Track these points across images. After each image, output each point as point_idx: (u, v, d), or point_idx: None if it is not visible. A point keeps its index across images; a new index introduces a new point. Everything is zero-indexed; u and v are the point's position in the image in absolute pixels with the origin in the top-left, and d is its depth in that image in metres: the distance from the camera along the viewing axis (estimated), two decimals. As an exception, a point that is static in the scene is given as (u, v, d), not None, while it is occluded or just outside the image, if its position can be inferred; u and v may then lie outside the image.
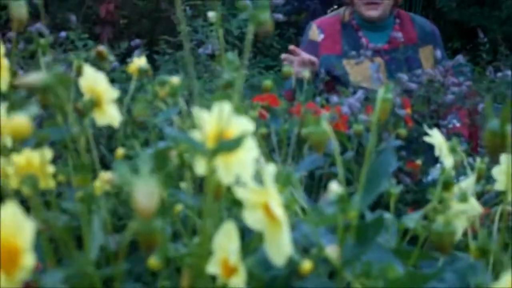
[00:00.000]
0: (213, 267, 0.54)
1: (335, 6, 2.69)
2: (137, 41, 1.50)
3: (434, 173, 1.42)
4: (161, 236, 0.42)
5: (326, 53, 2.13)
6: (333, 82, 1.99)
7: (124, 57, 1.70)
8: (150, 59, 1.77)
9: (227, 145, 0.47)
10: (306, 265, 0.55)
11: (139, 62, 0.83)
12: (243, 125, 0.52)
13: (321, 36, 2.15)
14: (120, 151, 0.73)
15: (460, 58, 1.74)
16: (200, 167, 0.50)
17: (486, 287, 0.58)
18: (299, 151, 1.27)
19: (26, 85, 0.46)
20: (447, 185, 0.68)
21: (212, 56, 1.55)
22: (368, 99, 1.36)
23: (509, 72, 1.47)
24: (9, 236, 0.36)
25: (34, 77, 0.46)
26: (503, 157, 0.81)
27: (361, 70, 2.00)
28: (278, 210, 0.52)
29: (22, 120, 0.44)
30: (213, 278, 0.57)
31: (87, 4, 5.17)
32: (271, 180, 0.52)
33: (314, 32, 2.18)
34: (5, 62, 0.62)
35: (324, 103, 1.35)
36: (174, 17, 5.15)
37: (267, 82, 1.09)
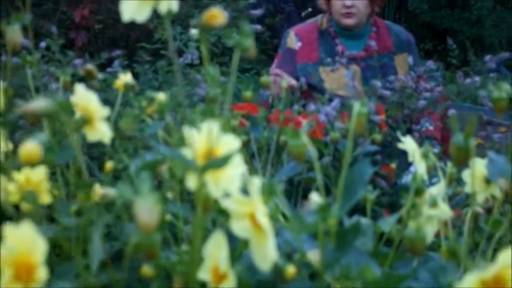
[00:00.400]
0: (203, 274, 0.58)
1: (310, 9, 2.73)
2: (117, 51, 1.53)
3: (408, 176, 1.47)
4: (159, 248, 0.46)
5: (304, 61, 2.18)
6: (310, 89, 2.04)
7: (104, 66, 1.73)
8: (129, 67, 1.80)
9: (216, 163, 0.52)
10: (290, 269, 0.59)
11: (125, 78, 0.87)
12: (230, 143, 0.56)
13: (299, 44, 2.20)
14: (109, 165, 0.77)
15: (431, 63, 1.81)
16: (191, 182, 0.55)
17: (456, 286, 0.63)
18: (278, 158, 1.31)
19: (31, 112, 0.49)
20: (419, 192, 0.72)
21: (191, 65, 1.58)
22: (344, 106, 1.41)
23: (477, 78, 1.53)
24: (25, 253, 0.40)
25: (39, 104, 0.50)
26: (473, 161, 0.87)
27: (336, 78, 2.05)
28: (264, 220, 0.56)
29: (33, 147, 0.48)
30: (203, 284, 0.61)
31: (62, 9, 5.17)
32: (257, 192, 0.57)
33: (292, 40, 2.22)
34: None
35: (301, 110, 1.40)
36: (150, 24, 5.18)
37: (248, 93, 1.14)
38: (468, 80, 1.47)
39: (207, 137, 0.54)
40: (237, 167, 0.56)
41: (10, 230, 0.42)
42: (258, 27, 1.62)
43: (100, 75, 0.82)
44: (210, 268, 0.57)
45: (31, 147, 0.48)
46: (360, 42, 2.22)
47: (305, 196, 1.21)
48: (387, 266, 0.74)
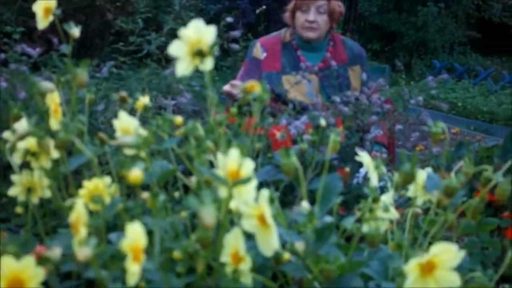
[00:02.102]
0: (224, 258, 0.81)
1: (264, 7, 2.97)
2: (111, 62, 1.72)
3: (359, 177, 1.72)
4: (211, 239, 0.69)
5: (268, 70, 2.42)
6: (275, 97, 2.29)
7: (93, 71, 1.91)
8: (97, 67, 1.97)
9: (242, 181, 0.75)
10: (286, 255, 0.83)
11: (144, 100, 1.08)
12: (247, 164, 0.79)
13: (264, 55, 2.45)
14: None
15: (381, 80, 2.07)
16: (222, 193, 0.78)
17: (400, 269, 0.88)
18: (254, 161, 1.54)
19: (121, 144, 0.71)
20: (375, 200, 0.97)
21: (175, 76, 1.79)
22: (311, 119, 1.65)
23: (420, 98, 1.80)
24: (135, 244, 0.62)
25: (129, 139, 0.72)
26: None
27: (298, 87, 2.30)
28: (270, 220, 0.80)
29: (138, 172, 0.70)
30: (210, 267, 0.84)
31: (22, -2, 5.23)
32: (265, 200, 0.80)
33: (258, 50, 2.47)
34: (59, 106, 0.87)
35: (273, 121, 1.63)
36: (109, 15, 5.27)
37: (234, 110, 1.36)
38: (412, 101, 1.73)
39: (234, 161, 0.77)
40: (252, 182, 0.79)
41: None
42: (237, 46, 1.85)
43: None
44: (230, 253, 0.81)
45: (137, 172, 0.70)
46: (318, 54, 2.49)
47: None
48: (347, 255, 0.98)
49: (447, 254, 0.71)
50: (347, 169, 1.69)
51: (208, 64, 0.78)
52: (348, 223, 1.04)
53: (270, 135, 1.52)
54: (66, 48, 0.97)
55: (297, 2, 2.42)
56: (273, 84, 2.33)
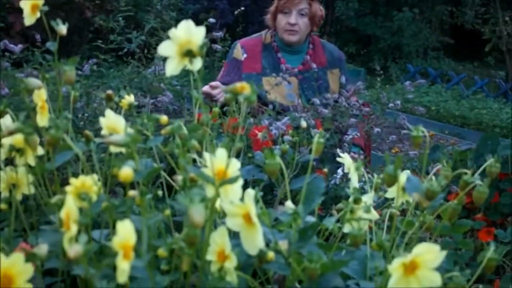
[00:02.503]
0: (210, 256, 0.82)
1: (242, 8, 2.98)
2: (94, 60, 1.72)
3: (337, 177, 1.75)
4: (199, 238, 0.70)
5: (248, 72, 2.44)
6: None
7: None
8: (80, 65, 1.97)
9: (230, 181, 0.76)
10: (270, 254, 0.84)
11: (129, 99, 1.09)
12: (234, 164, 0.81)
13: (244, 56, 2.46)
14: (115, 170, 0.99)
15: (360, 84, 2.10)
16: (209, 192, 0.79)
17: (381, 269, 0.90)
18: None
19: (111, 142, 0.72)
20: (357, 201, 0.99)
21: (156, 75, 1.80)
22: (292, 120, 1.67)
23: (398, 102, 1.83)
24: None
25: (118, 138, 0.73)
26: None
27: (278, 89, 2.32)
28: (255, 219, 0.81)
29: (129, 170, 0.71)
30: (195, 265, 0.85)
31: (1, -7, 5.19)
32: (251, 199, 0.81)
33: (239, 51, 2.48)
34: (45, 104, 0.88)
35: (255, 122, 1.65)
36: (87, 12, 5.23)
37: (217, 111, 1.37)
38: (391, 104, 1.76)
39: (220, 160, 0.78)
40: (238, 182, 0.80)
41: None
42: (219, 47, 1.86)
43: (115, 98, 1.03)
44: (216, 252, 0.82)
45: (128, 171, 0.71)
46: (298, 57, 2.51)
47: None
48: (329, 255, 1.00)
49: (429, 254, 0.73)
50: (325, 170, 1.71)
51: (197, 64, 0.79)
52: (330, 223, 1.06)
53: (252, 135, 1.53)
54: (51, 45, 0.97)
55: (279, 4, 2.43)
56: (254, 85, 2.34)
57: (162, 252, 0.84)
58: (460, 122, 6.85)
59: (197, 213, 0.66)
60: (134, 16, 4.51)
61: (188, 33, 0.78)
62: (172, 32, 0.78)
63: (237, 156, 1.54)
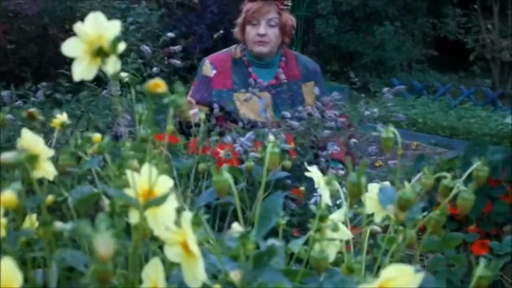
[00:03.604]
0: (143, 293, 0.68)
1: (221, 31, 2.86)
2: (44, 83, 1.60)
3: (316, 197, 1.61)
4: (112, 274, 0.56)
5: (218, 88, 2.30)
6: (225, 115, 2.17)
7: (28, 95, 1.78)
8: (51, 96, 1.85)
9: (157, 201, 0.62)
10: (216, 287, 0.70)
11: (61, 118, 0.95)
12: (165, 182, 0.67)
13: (213, 72, 2.33)
14: (49, 199, 0.85)
15: (336, 94, 1.97)
16: (133, 217, 0.65)
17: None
18: (197, 183, 1.42)
19: (3, 162, 0.58)
20: (322, 218, 0.85)
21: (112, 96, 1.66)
22: (258, 136, 1.54)
23: (376, 110, 1.70)
24: (8, 284, 0.49)
25: (9, 156, 0.59)
26: (371, 186, 1.00)
27: (250, 105, 2.19)
28: (194, 247, 0.67)
29: (10, 195, 0.57)
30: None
31: (-27, 29, 5.09)
32: (188, 224, 0.68)
33: (207, 68, 2.35)
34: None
35: (218, 140, 1.52)
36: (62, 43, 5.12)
37: (170, 128, 1.24)
38: (367, 113, 1.63)
39: (146, 179, 0.64)
40: (171, 203, 0.66)
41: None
42: (178, 62, 1.74)
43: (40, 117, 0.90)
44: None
45: (9, 195, 0.57)
46: (270, 70, 2.37)
47: (221, 219, 1.32)
48: (297, 281, 0.86)
49: (402, 277, 0.59)
50: (302, 188, 1.58)
51: (111, 65, 0.65)
52: (296, 246, 0.92)
53: (215, 155, 1.40)
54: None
55: (246, 15, 2.31)
56: (224, 102, 2.21)
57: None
58: (449, 133, 6.74)
59: (103, 244, 0.52)
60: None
61: (98, 28, 0.65)
62: (78, 27, 0.65)
63: (202, 178, 1.41)
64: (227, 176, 0.80)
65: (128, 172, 0.66)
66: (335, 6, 9.63)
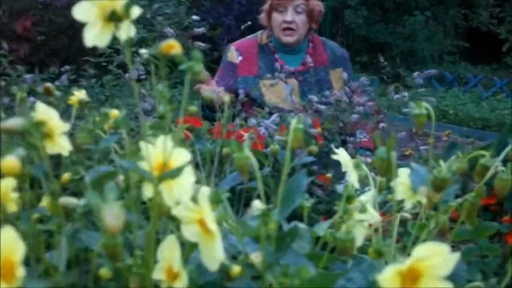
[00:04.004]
0: (158, 274, 0.64)
1: (249, 22, 2.81)
2: (67, 67, 1.57)
3: (344, 184, 1.56)
4: (121, 248, 0.52)
5: (244, 75, 2.25)
6: (251, 102, 2.12)
7: (53, 79, 1.76)
8: (76, 81, 1.83)
9: (171, 174, 0.58)
10: (235, 269, 0.66)
11: (79, 94, 0.92)
12: (182, 155, 0.63)
13: (239, 58, 2.28)
14: (66, 176, 0.82)
15: (364, 79, 1.91)
16: (148, 191, 0.61)
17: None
18: (222, 168, 1.38)
19: (7, 129, 0.55)
20: (349, 199, 0.81)
21: (138, 80, 1.63)
22: (283, 120, 1.49)
23: (405, 93, 1.64)
24: (9, 254, 0.46)
25: (15, 122, 0.56)
26: (401, 171, 0.95)
27: (276, 91, 2.13)
28: (212, 225, 0.63)
29: (13, 161, 0.53)
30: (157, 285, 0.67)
31: (3, 20, 5.11)
32: (205, 200, 0.63)
33: (233, 54, 2.30)
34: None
35: (243, 124, 1.48)
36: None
37: (193, 108, 1.20)
38: (397, 96, 1.57)
39: (161, 151, 0.61)
40: (188, 178, 0.62)
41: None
42: (202, 44, 1.70)
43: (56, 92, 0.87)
44: (164, 268, 0.64)
45: (11, 160, 0.53)
46: (298, 57, 2.31)
47: (246, 204, 1.28)
48: (322, 267, 0.81)
49: (435, 258, 0.54)
50: (329, 175, 1.53)
51: (125, 30, 0.61)
52: (321, 229, 0.88)
53: (238, 138, 1.36)
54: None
55: (273, 2, 2.25)
56: (250, 89, 2.16)
57: (104, 272, 0.66)
58: (481, 124, 6.58)
59: (111, 215, 0.48)
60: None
61: (111, -10, 0.61)
62: (89, -11, 0.61)
63: (225, 161, 1.37)
64: (248, 153, 0.76)
65: (143, 145, 0.62)
66: (364, -4, 9.49)
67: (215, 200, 0.68)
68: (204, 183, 1.28)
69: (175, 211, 0.65)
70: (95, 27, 0.62)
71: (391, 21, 9.66)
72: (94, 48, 0.64)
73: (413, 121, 0.80)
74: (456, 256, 0.54)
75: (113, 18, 0.61)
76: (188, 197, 0.62)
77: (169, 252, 0.64)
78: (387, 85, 2.01)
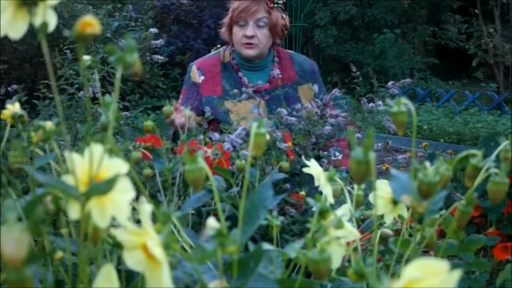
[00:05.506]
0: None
1: (218, 46, 2.71)
2: (15, 86, 1.45)
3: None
4: (32, 283, 0.41)
5: (208, 94, 2.14)
6: (216, 122, 2.00)
7: (3, 103, 1.63)
8: (31, 104, 1.71)
9: (100, 188, 0.47)
10: (188, 301, 0.55)
11: (13, 108, 0.81)
12: (116, 166, 0.51)
13: (202, 78, 2.15)
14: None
15: (336, 91, 1.82)
16: (74, 211, 0.49)
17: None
18: (186, 190, 1.26)
19: None
20: (323, 214, 0.70)
21: (93, 99, 1.52)
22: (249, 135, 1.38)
23: (380, 103, 1.55)
24: None
25: None
26: (379, 183, 0.85)
27: (243, 111, 2.01)
28: (156, 250, 0.51)
29: None
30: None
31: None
32: (148, 220, 0.52)
33: (195, 74, 2.17)
34: None
35: (207, 140, 1.36)
36: (55, 60, 5.03)
37: (148, 123, 1.09)
38: (371, 105, 1.48)
39: (90, 161, 0.49)
40: (125, 193, 0.51)
41: None
42: (161, 58, 1.59)
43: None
44: (100, 306, 0.52)
45: None
46: (263, 74, 2.19)
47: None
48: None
49: (432, 278, 0.43)
50: (303, 193, 1.42)
51: (42, 16, 0.50)
52: (293, 250, 0.77)
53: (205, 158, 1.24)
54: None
55: (233, 15, 2.13)
56: (215, 108, 2.04)
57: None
58: (455, 138, 6.56)
59: (11, 242, 0.36)
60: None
61: (22, -31, 0.50)
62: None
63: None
64: (202, 163, 0.64)
65: (67, 155, 0.51)
66: (333, 16, 9.50)
67: (163, 220, 0.57)
68: (166, 207, 1.17)
69: (116, 234, 0.54)
70: (6, 13, 0.50)
71: (361, 39, 9.69)
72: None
73: (392, 121, 0.70)
74: (458, 273, 0.43)
75: (27, 1, 0.50)
76: (124, 217, 0.51)
77: (105, 285, 0.52)
78: (360, 97, 1.91)
